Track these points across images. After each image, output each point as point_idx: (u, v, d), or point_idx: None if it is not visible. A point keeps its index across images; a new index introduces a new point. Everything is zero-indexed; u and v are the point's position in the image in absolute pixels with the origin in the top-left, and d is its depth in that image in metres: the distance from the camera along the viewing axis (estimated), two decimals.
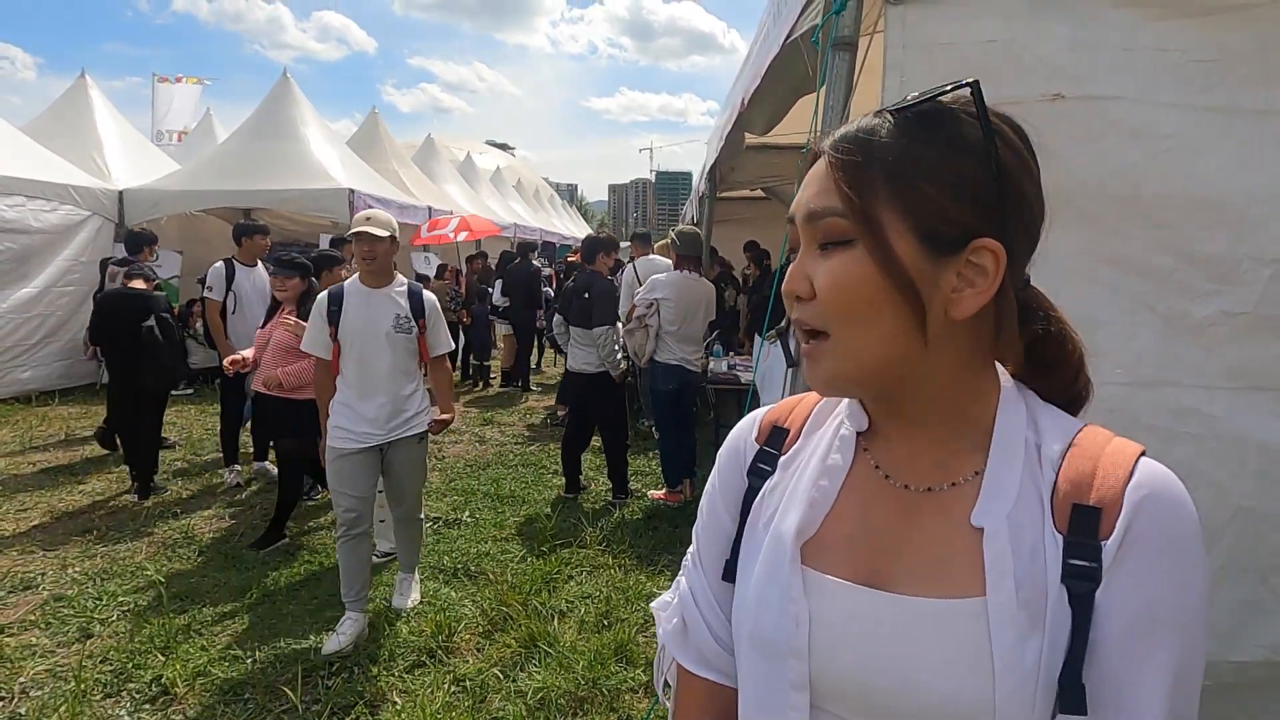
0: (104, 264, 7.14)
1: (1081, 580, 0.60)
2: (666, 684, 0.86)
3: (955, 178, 0.63)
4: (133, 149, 10.91)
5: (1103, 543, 0.61)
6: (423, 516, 3.98)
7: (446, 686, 3.08)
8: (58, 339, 8.69)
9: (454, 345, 4.08)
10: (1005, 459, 0.66)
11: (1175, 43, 1.61)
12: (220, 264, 5.70)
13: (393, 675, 3.17)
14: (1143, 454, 0.65)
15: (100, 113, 10.59)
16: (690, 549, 0.86)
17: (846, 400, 0.77)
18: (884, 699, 0.64)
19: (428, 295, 3.55)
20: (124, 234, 7.29)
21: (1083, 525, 0.62)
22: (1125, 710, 0.59)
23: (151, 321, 5.22)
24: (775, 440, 0.80)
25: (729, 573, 0.79)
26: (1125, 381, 1.58)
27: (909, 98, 0.65)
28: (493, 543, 4.67)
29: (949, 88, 0.64)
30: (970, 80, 0.64)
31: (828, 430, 0.77)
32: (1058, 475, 0.64)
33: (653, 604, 0.89)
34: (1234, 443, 1.59)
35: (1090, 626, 0.60)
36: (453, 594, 3.94)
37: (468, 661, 3.29)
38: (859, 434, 0.74)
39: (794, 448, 0.79)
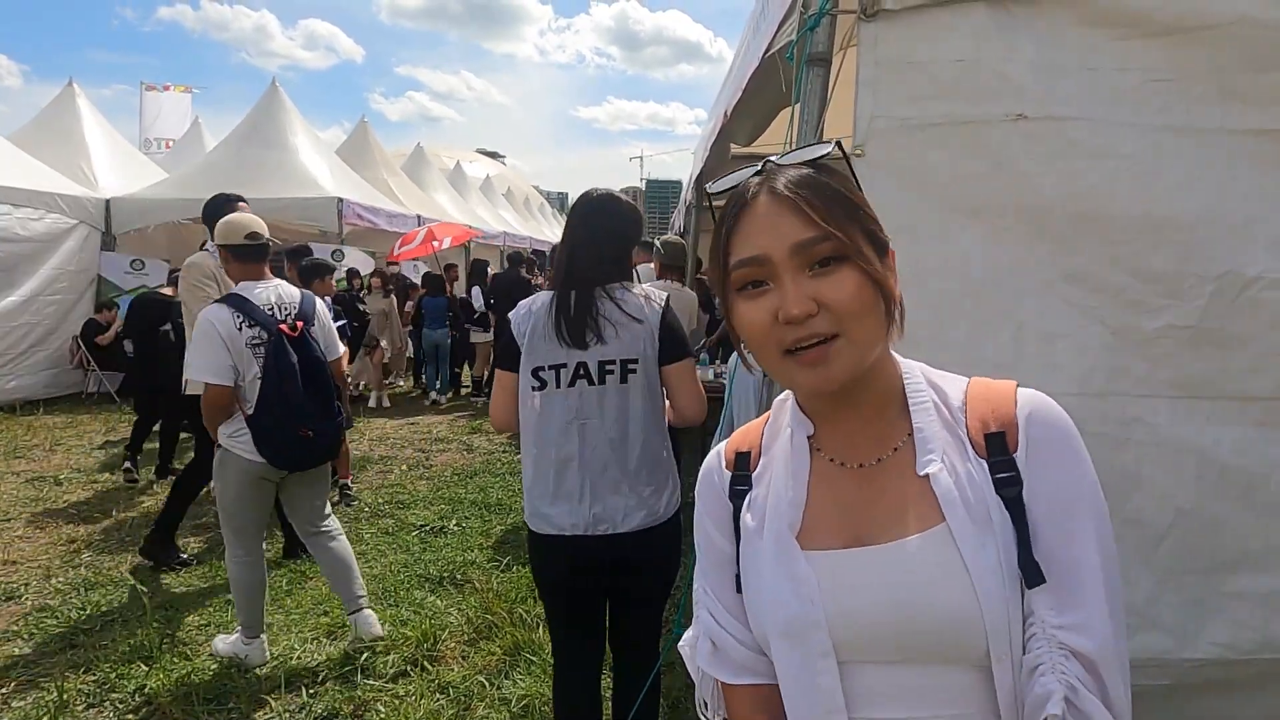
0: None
1: (1009, 487, 0.79)
2: (706, 704, 0.97)
3: (865, 204, 0.84)
4: (121, 157, 10.91)
5: (1014, 455, 0.80)
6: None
7: (431, 694, 3.10)
8: (44, 348, 8.67)
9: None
10: (925, 419, 0.84)
11: (1135, 62, 1.64)
12: None
13: (377, 684, 3.18)
14: (1018, 386, 0.85)
15: (88, 121, 10.58)
16: (698, 585, 0.98)
17: (790, 416, 0.93)
18: (899, 630, 0.78)
19: None
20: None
21: (996, 447, 0.80)
22: (1072, 572, 0.76)
23: (168, 326, 5.34)
24: (742, 463, 0.95)
25: (740, 585, 0.91)
26: (1076, 392, 1.62)
27: (800, 150, 0.86)
28: (479, 551, 4.69)
29: (826, 144, 0.86)
30: (836, 140, 0.88)
31: (781, 442, 0.92)
32: (966, 418, 0.83)
33: (679, 645, 1.01)
34: (1175, 449, 1.64)
35: (1026, 518, 0.77)
36: (438, 602, 3.96)
37: (452, 669, 3.30)
38: (809, 438, 0.89)
39: (760, 463, 0.94)
